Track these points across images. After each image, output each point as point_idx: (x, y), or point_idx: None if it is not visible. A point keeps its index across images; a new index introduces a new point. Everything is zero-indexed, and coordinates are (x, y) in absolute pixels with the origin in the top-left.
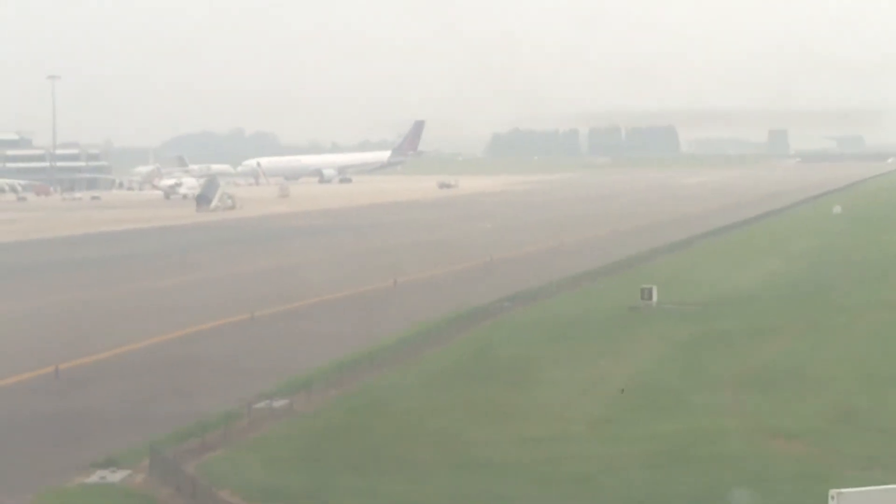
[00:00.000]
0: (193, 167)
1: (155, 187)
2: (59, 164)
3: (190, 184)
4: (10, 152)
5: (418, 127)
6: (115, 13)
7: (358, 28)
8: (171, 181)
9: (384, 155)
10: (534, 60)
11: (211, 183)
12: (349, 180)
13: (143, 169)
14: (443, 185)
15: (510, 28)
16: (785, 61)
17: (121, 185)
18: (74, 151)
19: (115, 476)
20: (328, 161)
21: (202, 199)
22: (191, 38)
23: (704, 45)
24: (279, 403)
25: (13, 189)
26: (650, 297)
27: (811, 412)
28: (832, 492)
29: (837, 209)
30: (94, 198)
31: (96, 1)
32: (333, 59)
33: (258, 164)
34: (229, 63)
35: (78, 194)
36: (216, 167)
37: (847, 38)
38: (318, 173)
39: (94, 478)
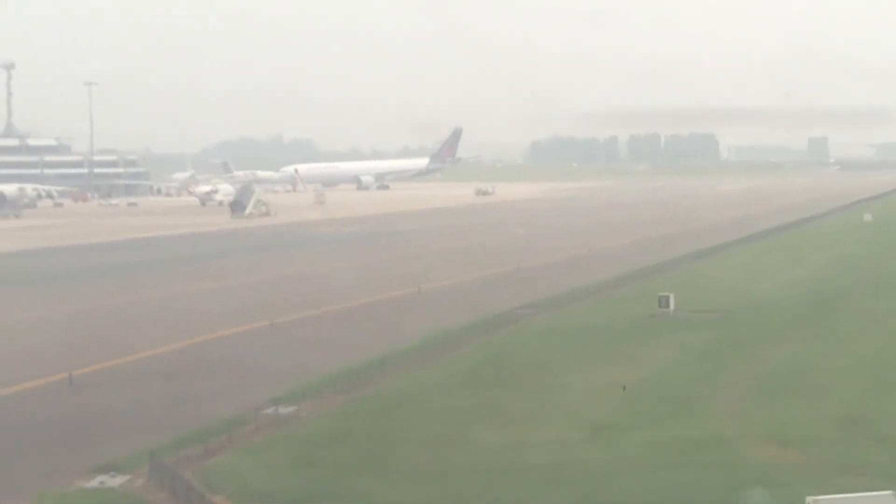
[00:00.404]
0: (238, 173)
1: (191, 193)
2: (98, 170)
3: (226, 190)
4: (49, 158)
5: (456, 134)
6: (156, 21)
7: (397, 36)
8: (206, 188)
9: (422, 162)
10: (571, 66)
11: (245, 190)
12: (387, 187)
13: (181, 175)
14: (479, 192)
15: (549, 35)
16: (821, 61)
17: (158, 192)
18: (112, 158)
19: (115, 481)
20: (366, 168)
21: (236, 206)
22: (230, 44)
23: (741, 44)
24: (287, 409)
25: (49, 195)
26: (667, 305)
27: (813, 420)
28: (809, 499)
29: (868, 217)
30: (130, 204)
31: (139, 9)
32: (373, 65)
33: (296, 170)
34: (269, 70)
35: (115, 200)
36: (261, 174)
37: (883, 36)
38: (355, 180)
39: (94, 482)
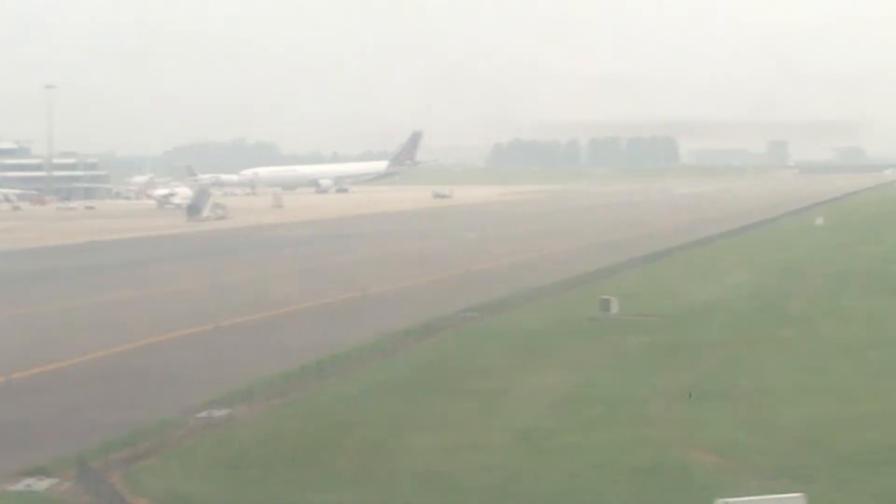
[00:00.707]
0: (203, 177)
1: (149, 197)
2: (57, 173)
3: (184, 193)
4: (8, 161)
5: (416, 137)
6: (120, 24)
7: (360, 40)
8: (164, 191)
9: (381, 165)
10: (532, 71)
11: (202, 193)
12: (346, 190)
13: (140, 178)
14: (437, 196)
15: (509, 40)
16: (782, 72)
17: (117, 195)
18: (72, 161)
19: (42, 484)
20: (325, 171)
21: (193, 209)
22: (195, 47)
23: (703, 55)
24: (221, 412)
25: (6, 198)
26: (608, 309)
27: (740, 424)
28: (718, 501)
29: (820, 221)
30: (88, 207)
31: (101, 11)
32: (336, 68)
33: (255, 173)
34: (233, 72)
35: (73, 203)
36: (224, 177)
37: (844, 47)
38: (314, 183)
39: (20, 486)
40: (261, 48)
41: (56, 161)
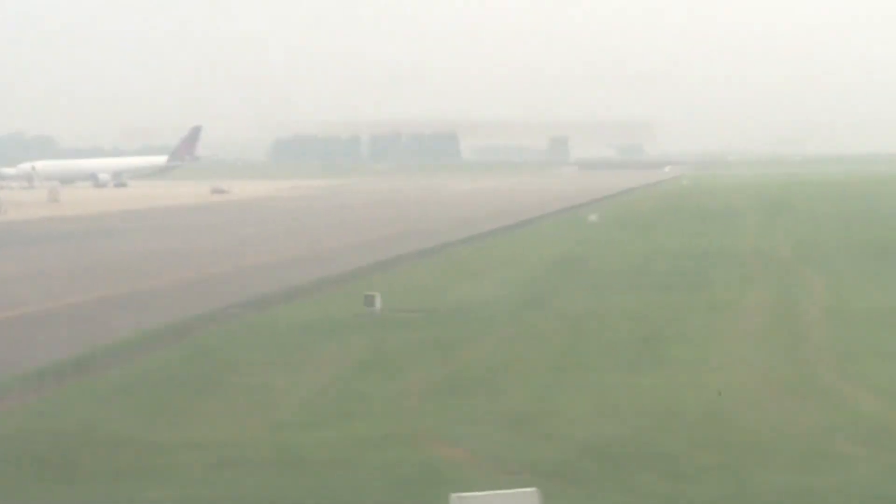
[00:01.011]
0: None
1: None
2: None
3: None
4: None
5: (195, 131)
6: None
7: (134, 34)
8: None
9: (161, 159)
10: (313, 65)
11: None
12: (125, 185)
13: None
14: (216, 191)
15: (288, 33)
16: (565, 71)
17: None
18: None
19: None
20: (103, 165)
21: None
22: None
23: (484, 54)
24: None
25: None
26: (373, 304)
27: (493, 420)
28: (453, 496)
29: (593, 217)
30: None
31: None
32: (112, 62)
33: (33, 167)
34: (6, 61)
35: None
36: (4, 170)
37: (627, 48)
38: (93, 177)
39: None
40: (39, 39)
41: None
